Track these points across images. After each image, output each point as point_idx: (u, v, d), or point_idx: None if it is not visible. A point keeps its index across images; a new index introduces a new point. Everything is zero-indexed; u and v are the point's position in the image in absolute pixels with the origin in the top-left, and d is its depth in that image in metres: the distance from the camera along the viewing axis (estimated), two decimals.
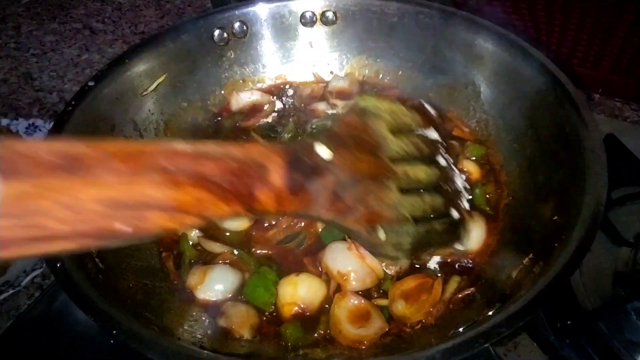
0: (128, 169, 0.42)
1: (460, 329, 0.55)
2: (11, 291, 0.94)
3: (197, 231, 0.82)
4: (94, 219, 0.40)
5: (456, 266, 0.77)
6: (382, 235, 0.60)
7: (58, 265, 0.58)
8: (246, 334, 0.70)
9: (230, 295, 0.75)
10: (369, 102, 0.62)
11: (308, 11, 1.00)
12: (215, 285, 0.75)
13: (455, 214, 0.67)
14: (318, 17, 1.01)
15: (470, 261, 0.76)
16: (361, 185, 0.57)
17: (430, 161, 0.66)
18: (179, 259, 0.80)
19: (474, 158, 0.91)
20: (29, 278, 0.96)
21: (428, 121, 0.68)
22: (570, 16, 1.37)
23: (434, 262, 0.77)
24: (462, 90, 0.95)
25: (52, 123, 1.21)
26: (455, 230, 0.67)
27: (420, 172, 0.63)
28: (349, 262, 0.75)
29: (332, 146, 0.57)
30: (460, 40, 0.92)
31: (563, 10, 1.37)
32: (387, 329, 0.68)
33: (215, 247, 0.81)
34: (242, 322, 0.71)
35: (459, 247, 0.70)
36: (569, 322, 0.77)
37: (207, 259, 0.80)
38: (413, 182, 0.62)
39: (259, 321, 0.72)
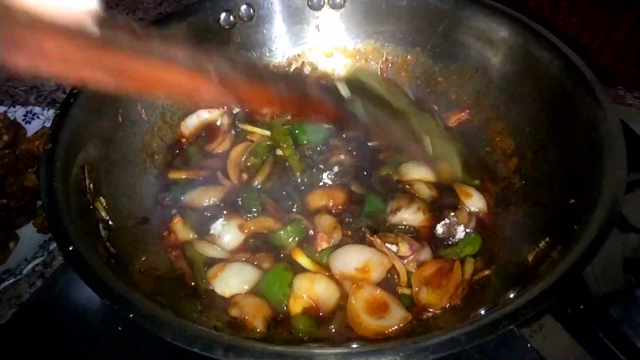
0: None
1: (482, 312, 0.54)
2: (12, 279, 0.92)
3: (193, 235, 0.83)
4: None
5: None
6: (428, 144, 0.74)
7: (70, 249, 0.56)
8: (259, 325, 0.69)
9: (246, 289, 0.74)
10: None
11: None
12: (231, 279, 0.75)
13: None
14: (326, 0, 0.99)
15: (483, 217, 0.84)
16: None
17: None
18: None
19: None
20: (30, 266, 0.94)
21: None
22: (575, 4, 1.36)
23: (460, 232, 0.80)
24: (472, 74, 0.95)
25: (50, 110, 1.20)
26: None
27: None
28: (359, 256, 0.75)
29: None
30: (470, 23, 0.91)
31: (569, 0, 1.37)
32: (410, 318, 0.68)
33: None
34: (254, 312, 0.70)
35: (473, 208, 0.84)
36: (581, 307, 0.77)
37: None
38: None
39: (271, 313, 0.72)
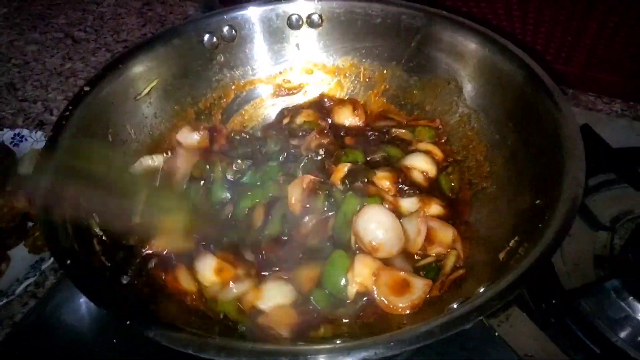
0: None
1: (455, 305, 0.58)
2: (5, 300, 0.93)
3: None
4: None
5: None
6: None
7: (68, 262, 0.59)
8: (284, 332, 0.70)
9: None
10: None
11: (295, 14, 1.03)
12: (273, 298, 0.75)
13: None
14: (304, 20, 1.04)
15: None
16: None
17: None
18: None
19: (428, 140, 0.98)
20: (22, 286, 0.96)
21: None
22: (543, 15, 1.43)
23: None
24: (445, 86, 0.99)
25: (38, 132, 1.23)
26: None
27: None
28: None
29: None
30: (441, 39, 0.96)
31: (536, 10, 1.43)
32: (431, 283, 0.72)
33: None
34: (279, 320, 0.72)
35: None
36: (553, 302, 0.81)
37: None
38: None
39: (296, 321, 0.72)
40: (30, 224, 1.08)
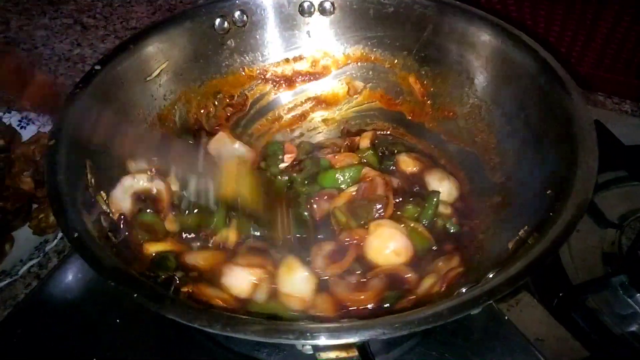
0: None
1: (464, 290, 0.57)
2: (8, 280, 0.94)
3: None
4: None
5: None
6: None
7: (75, 235, 0.59)
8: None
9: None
10: None
11: (306, 1, 1.02)
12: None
13: None
14: (316, 7, 1.03)
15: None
16: None
17: None
18: None
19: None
20: (25, 267, 0.96)
21: None
22: (554, 14, 1.42)
23: None
24: (456, 77, 0.98)
25: (45, 117, 1.22)
26: None
27: None
28: None
29: None
30: (454, 29, 0.95)
31: (548, 9, 1.43)
32: None
33: None
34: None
35: None
36: (560, 295, 0.81)
37: None
38: None
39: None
40: (35, 205, 1.08)
